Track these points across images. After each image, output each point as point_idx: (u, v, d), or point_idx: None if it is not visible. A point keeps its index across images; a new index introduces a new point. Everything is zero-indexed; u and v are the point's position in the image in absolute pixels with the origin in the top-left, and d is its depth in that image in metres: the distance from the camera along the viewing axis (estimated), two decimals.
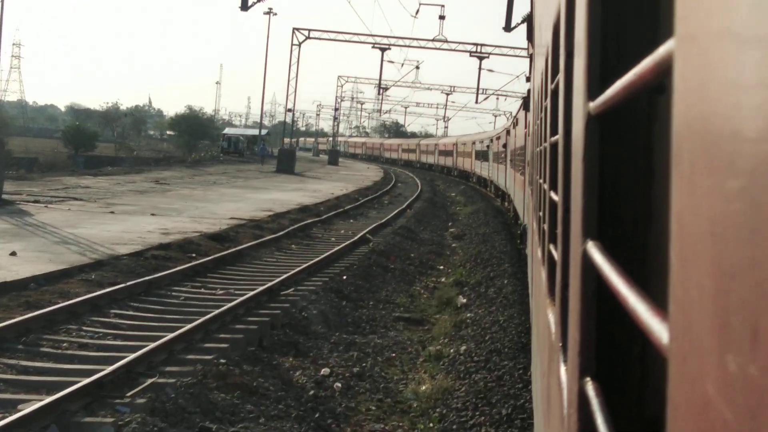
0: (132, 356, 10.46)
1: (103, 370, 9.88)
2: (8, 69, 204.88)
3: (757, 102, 0.64)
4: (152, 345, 11.04)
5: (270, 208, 31.77)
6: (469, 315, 16.16)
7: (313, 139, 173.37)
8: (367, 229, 26.92)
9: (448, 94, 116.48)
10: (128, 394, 9.61)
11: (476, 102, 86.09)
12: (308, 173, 69.78)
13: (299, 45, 69.23)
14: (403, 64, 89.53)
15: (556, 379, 2.74)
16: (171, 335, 11.58)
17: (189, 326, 12.12)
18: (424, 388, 11.57)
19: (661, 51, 0.98)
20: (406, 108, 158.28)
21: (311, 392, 10.79)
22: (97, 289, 14.48)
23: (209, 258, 18.72)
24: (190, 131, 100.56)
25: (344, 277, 18.43)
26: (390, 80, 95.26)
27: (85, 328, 12.53)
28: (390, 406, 10.95)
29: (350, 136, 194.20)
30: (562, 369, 2.44)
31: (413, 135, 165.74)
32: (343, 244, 22.82)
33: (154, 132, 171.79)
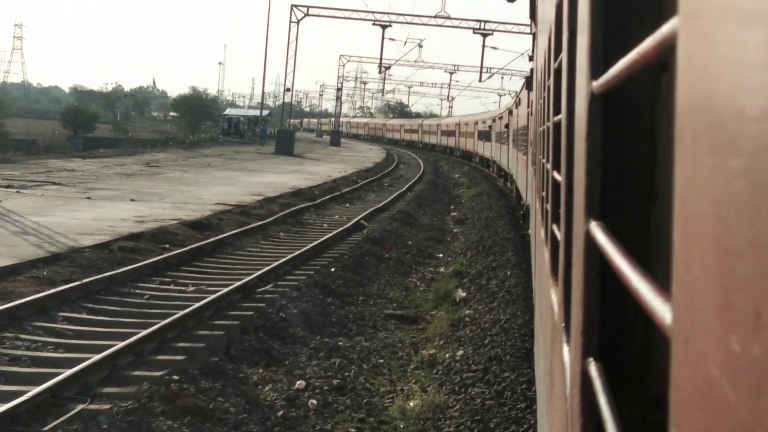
0: (65, 374, 8.82)
1: (26, 393, 8.24)
2: (10, 50, 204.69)
3: (760, 81, 0.64)
4: (93, 359, 9.35)
5: (261, 192, 30.18)
6: (468, 312, 14.69)
7: (317, 120, 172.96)
8: (363, 215, 25.46)
9: (451, 73, 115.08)
10: (47, 427, 7.93)
11: (480, 81, 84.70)
12: (308, 155, 68.16)
13: (298, 22, 68.12)
14: (405, 43, 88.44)
15: (559, 360, 2.74)
16: (118, 345, 9.88)
17: (142, 334, 10.40)
18: (413, 404, 10.17)
19: (665, 29, 0.97)
20: (409, 88, 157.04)
21: (280, 413, 9.29)
22: (47, 288, 12.60)
23: (184, 249, 17.03)
24: (192, 112, 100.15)
25: (332, 270, 16.76)
26: (392, 59, 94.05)
27: (23, 336, 10.72)
28: (372, 429, 9.44)
29: (353, 116, 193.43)
30: (565, 349, 2.44)
31: (418, 115, 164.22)
32: (335, 232, 21.29)
33: (158, 113, 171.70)
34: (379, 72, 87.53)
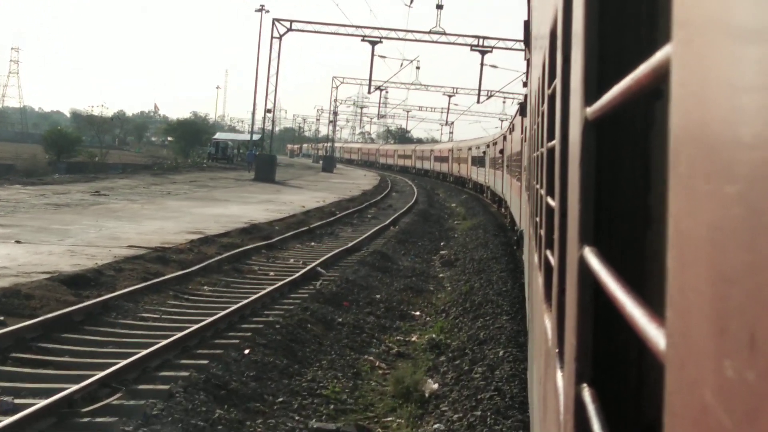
0: None
1: None
2: (7, 74, 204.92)
3: (755, 107, 0.64)
4: None
5: (203, 229, 24.91)
6: (436, 427, 9.85)
7: (321, 145, 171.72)
8: (324, 258, 20.95)
9: (450, 96, 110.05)
10: None
11: (478, 102, 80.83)
12: (292, 181, 64.36)
13: (280, 38, 63.58)
14: (402, 64, 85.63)
15: (552, 385, 2.74)
16: None
17: None
18: None
19: (659, 56, 0.98)
20: (407, 112, 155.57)
21: None
22: None
23: (26, 324, 11.58)
24: (186, 137, 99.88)
25: (246, 352, 11.58)
26: (387, 81, 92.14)
27: None
28: None
29: (347, 141, 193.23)
30: (559, 375, 2.43)
31: (419, 141, 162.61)
32: (278, 284, 16.53)
33: (156, 138, 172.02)
34: (369, 92, 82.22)
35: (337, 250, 22.94)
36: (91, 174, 53.78)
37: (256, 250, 22.34)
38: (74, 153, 71.17)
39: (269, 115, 66.97)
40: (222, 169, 75.01)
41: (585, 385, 1.78)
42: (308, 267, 19.42)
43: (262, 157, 65.17)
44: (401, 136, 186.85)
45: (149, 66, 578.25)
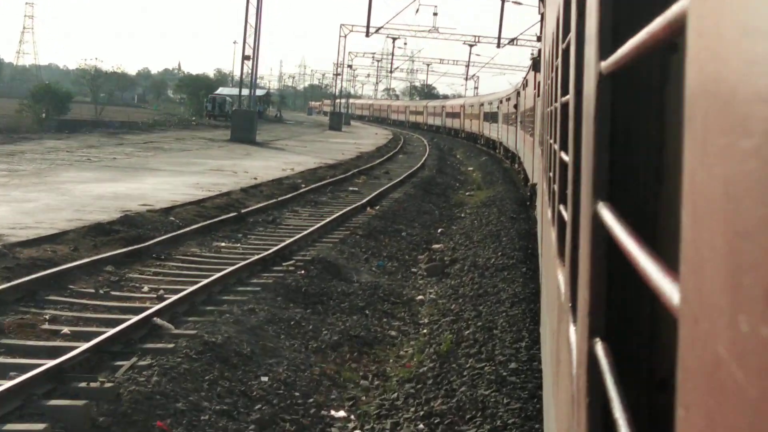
0: None
1: None
2: (21, 30, 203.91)
3: None
4: None
5: (32, 224, 16.78)
6: None
7: (371, 101, 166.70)
8: (192, 289, 12.09)
9: (471, 45, 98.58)
10: None
11: (498, 46, 74.08)
12: (278, 142, 55.50)
13: None
14: (417, 10, 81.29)
15: (565, 340, 2.75)
16: None
17: None
18: None
19: (675, 9, 0.97)
20: (428, 65, 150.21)
21: None
22: None
23: None
24: (197, 93, 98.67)
25: None
26: (404, 26, 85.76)
27: None
28: None
29: (362, 97, 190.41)
30: (572, 329, 2.44)
31: (445, 97, 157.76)
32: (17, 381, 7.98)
33: (175, 95, 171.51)
34: (366, 35, 74.16)
35: (248, 260, 14.61)
36: (67, 131, 50.41)
37: (70, 276, 12.90)
38: (65, 110, 67.56)
39: (248, 62, 54.34)
40: (212, 127, 67.85)
41: (598, 339, 1.79)
42: (128, 322, 10.24)
43: (238, 113, 54.87)
44: (427, 93, 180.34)
45: (174, 23, 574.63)
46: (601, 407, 1.72)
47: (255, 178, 29.50)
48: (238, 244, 17.43)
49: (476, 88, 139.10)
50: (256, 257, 15.05)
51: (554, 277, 3.88)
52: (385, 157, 46.56)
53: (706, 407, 0.77)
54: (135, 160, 34.70)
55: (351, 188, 29.52)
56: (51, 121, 59.60)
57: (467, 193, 31.53)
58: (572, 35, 2.87)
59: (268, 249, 16.01)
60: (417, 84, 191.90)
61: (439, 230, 22.19)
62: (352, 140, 67.00)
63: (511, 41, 71.91)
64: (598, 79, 1.86)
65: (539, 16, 15.99)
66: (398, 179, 32.67)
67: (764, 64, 0.65)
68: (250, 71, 54.89)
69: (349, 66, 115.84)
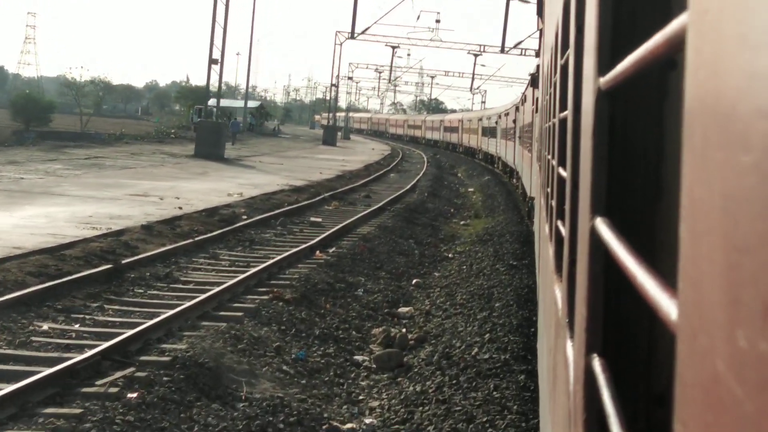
0: None
1: None
2: (23, 40, 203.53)
3: None
4: None
5: None
6: None
7: (369, 115, 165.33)
8: None
9: (476, 55, 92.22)
10: None
11: (502, 51, 69.00)
12: (252, 158, 49.27)
13: None
14: (418, 17, 77.21)
15: (562, 355, 2.75)
16: None
17: None
18: None
19: (674, 25, 0.97)
20: (432, 78, 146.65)
21: None
22: None
23: None
24: (191, 105, 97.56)
25: None
26: (403, 36, 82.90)
27: None
28: None
29: (365, 111, 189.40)
30: (569, 345, 2.44)
31: (452, 111, 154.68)
32: None
33: (179, 107, 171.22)
34: (352, 35, 68.80)
35: (55, 367, 8.90)
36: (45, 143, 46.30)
37: None
38: (45, 121, 63.99)
39: (215, 67, 46.72)
40: (190, 140, 56.82)
41: (595, 355, 1.78)
42: None
43: (203, 126, 47.77)
44: (435, 108, 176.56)
45: (183, 36, 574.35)
46: (598, 423, 1.72)
47: (180, 208, 22.66)
48: (75, 326, 11.25)
49: (483, 102, 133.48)
50: (77, 359, 9.29)
51: (551, 293, 3.88)
52: (372, 177, 40.89)
53: (704, 423, 0.77)
54: (44, 182, 28.05)
55: (314, 218, 23.50)
56: (30, 132, 56.23)
57: (462, 222, 26.80)
58: (571, 51, 2.88)
59: (117, 335, 10.28)
60: (424, 98, 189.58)
61: (414, 281, 16.46)
62: (341, 156, 60.58)
63: (517, 45, 67.94)
64: (596, 95, 1.86)
65: (537, 32, 16.04)
66: (378, 205, 27.14)
67: (763, 80, 0.65)
68: (273, 89, 52.54)
69: (350, 78, 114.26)
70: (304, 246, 17.88)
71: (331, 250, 18.13)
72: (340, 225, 21.49)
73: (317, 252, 17.75)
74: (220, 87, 49.95)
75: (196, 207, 23.15)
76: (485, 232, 23.03)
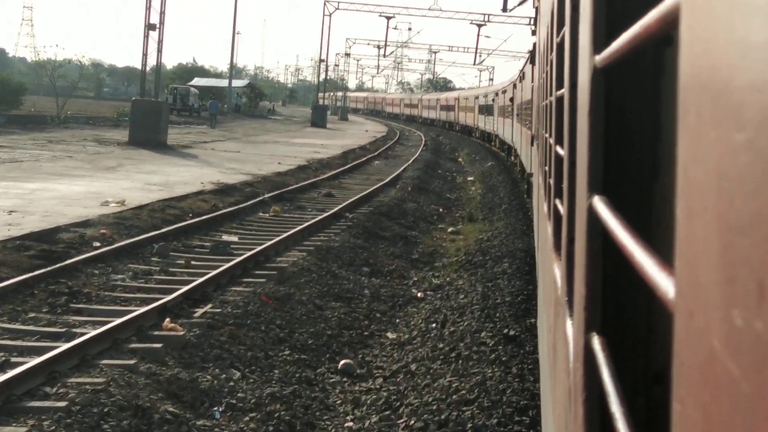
0: None
1: None
2: (20, 22, 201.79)
3: (765, 53, 0.63)
4: None
5: None
6: None
7: (365, 94, 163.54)
8: None
9: (479, 26, 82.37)
10: None
11: (503, 10, 69.08)
12: (205, 144, 41.10)
13: None
14: None
15: (561, 334, 2.75)
16: None
17: None
18: None
19: (668, 2, 0.97)
20: (435, 53, 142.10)
21: None
22: None
23: None
24: (166, 84, 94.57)
25: None
26: (400, 6, 76.87)
27: None
28: None
29: (371, 90, 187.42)
30: (568, 323, 2.44)
31: (460, 90, 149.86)
32: None
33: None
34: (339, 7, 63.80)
35: None
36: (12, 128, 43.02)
37: None
38: (16, 104, 61.12)
39: (153, 33, 38.79)
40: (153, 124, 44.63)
41: (594, 333, 1.79)
42: None
43: (139, 105, 38.20)
44: (443, 87, 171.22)
45: (191, 17, 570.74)
46: (598, 401, 1.72)
47: (9, 226, 15.19)
48: None
49: (491, 79, 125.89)
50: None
51: (550, 271, 3.89)
52: (348, 166, 33.52)
53: (701, 401, 0.77)
54: None
55: (226, 236, 16.48)
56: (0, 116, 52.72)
57: (450, 229, 20.37)
58: (566, 29, 2.87)
59: None
60: (430, 77, 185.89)
61: (342, 363, 9.92)
62: (323, 140, 51.89)
63: (522, 2, 64.68)
64: (592, 73, 1.86)
65: (534, 10, 15.98)
66: (336, 209, 20.11)
67: (757, 56, 0.65)
68: (279, 70, 48.29)
69: (347, 54, 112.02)
70: (151, 306, 10.34)
71: (198, 313, 10.62)
72: (256, 250, 14.31)
73: (166, 321, 10.12)
74: (159, 60, 41.21)
75: (28, 227, 14.96)
76: (479, 245, 17.27)
